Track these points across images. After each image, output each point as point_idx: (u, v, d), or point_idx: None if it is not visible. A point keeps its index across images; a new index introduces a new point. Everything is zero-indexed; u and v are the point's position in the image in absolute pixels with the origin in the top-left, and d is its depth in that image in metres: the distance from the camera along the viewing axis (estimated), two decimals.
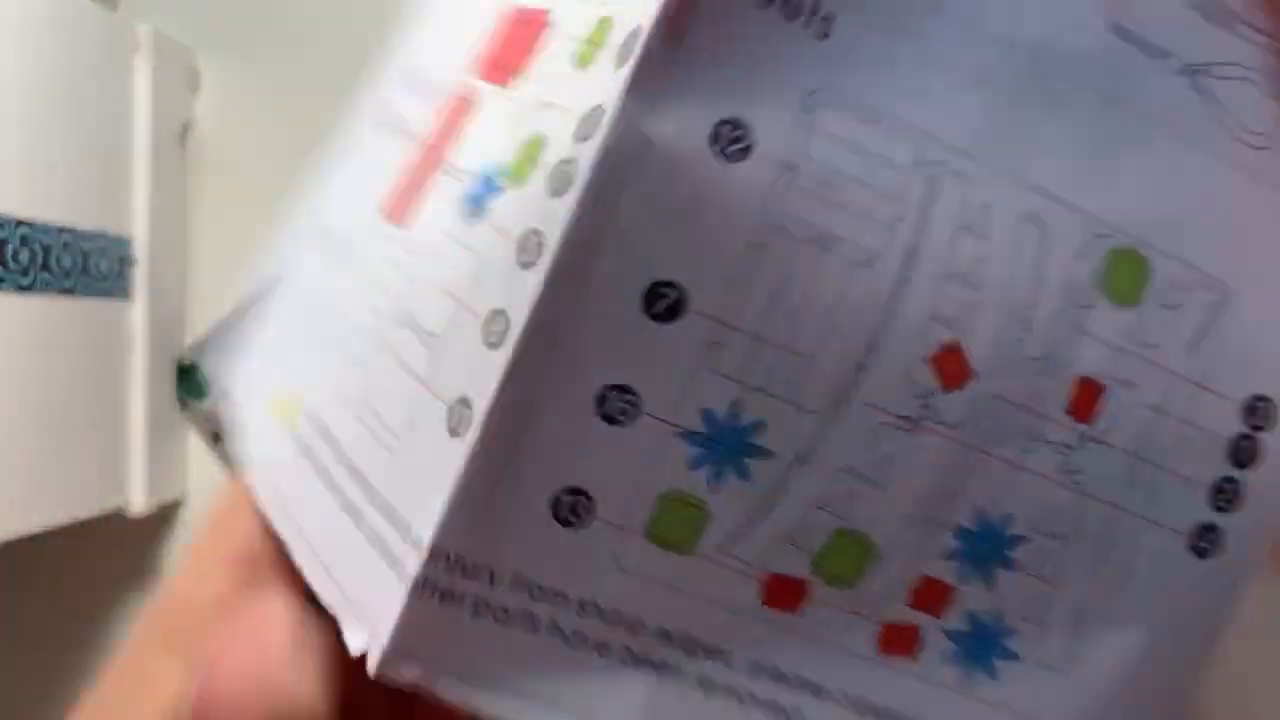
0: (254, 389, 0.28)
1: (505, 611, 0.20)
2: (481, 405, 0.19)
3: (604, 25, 0.21)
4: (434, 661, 0.20)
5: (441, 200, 0.23)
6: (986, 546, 0.22)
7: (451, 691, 0.20)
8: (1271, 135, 0.22)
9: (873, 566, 0.21)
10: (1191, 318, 0.22)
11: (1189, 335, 0.22)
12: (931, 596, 0.22)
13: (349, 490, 0.22)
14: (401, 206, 0.25)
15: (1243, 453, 0.23)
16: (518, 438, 0.19)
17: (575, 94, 0.20)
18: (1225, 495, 0.23)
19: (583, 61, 0.21)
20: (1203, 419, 0.22)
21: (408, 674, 0.20)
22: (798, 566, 0.21)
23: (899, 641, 0.22)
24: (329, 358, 0.25)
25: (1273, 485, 0.23)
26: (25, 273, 0.39)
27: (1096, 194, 0.21)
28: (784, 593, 0.21)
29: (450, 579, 0.20)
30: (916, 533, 0.21)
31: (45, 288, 0.40)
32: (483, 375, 0.19)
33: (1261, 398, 0.23)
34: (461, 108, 0.24)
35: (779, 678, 0.21)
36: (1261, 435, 0.23)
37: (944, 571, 0.22)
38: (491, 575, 0.20)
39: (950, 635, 0.22)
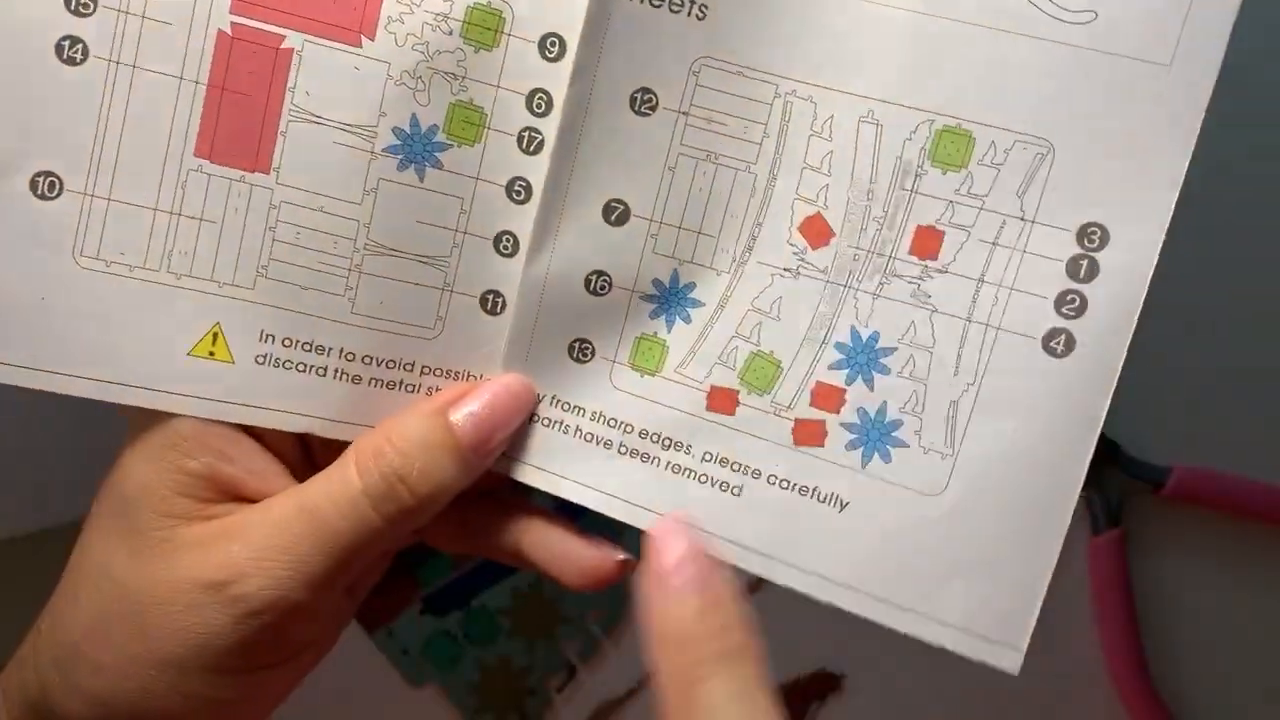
0: None
1: (548, 421, 0.32)
2: (512, 295, 0.31)
3: (493, 15, 0.30)
4: (508, 453, 0.32)
5: None
6: (862, 357, 0.30)
7: (514, 472, 0.32)
8: (1098, 8, 0.28)
9: (780, 377, 0.31)
10: (1016, 170, 0.29)
11: (1015, 184, 0.29)
12: (828, 398, 0.30)
13: None
14: None
15: (1081, 270, 0.28)
16: (540, 312, 0.31)
17: (495, 71, 0.30)
18: (1070, 305, 0.28)
19: (485, 43, 0.30)
20: (1038, 246, 0.29)
21: (498, 465, 0.32)
22: (729, 380, 0.31)
23: (809, 434, 0.31)
24: None
25: (1114, 294, 0.28)
26: None
27: (923, 93, 0.29)
28: (721, 400, 0.31)
29: None
30: (808, 350, 0.30)
31: None
32: (510, 279, 0.31)
33: (1093, 224, 0.28)
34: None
35: (725, 462, 0.31)
36: (1097, 254, 0.28)
37: (834, 378, 0.30)
38: (538, 399, 0.32)
39: (847, 427, 0.30)
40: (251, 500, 0.31)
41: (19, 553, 0.42)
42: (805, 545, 0.30)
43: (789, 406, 0.31)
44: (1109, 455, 0.45)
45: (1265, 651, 0.45)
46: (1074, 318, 0.28)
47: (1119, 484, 0.45)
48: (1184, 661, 0.45)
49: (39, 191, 0.29)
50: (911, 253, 0.30)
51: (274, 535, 0.29)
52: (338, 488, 0.30)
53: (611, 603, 0.45)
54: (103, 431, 0.31)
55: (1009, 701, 0.45)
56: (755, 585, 0.29)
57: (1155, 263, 0.27)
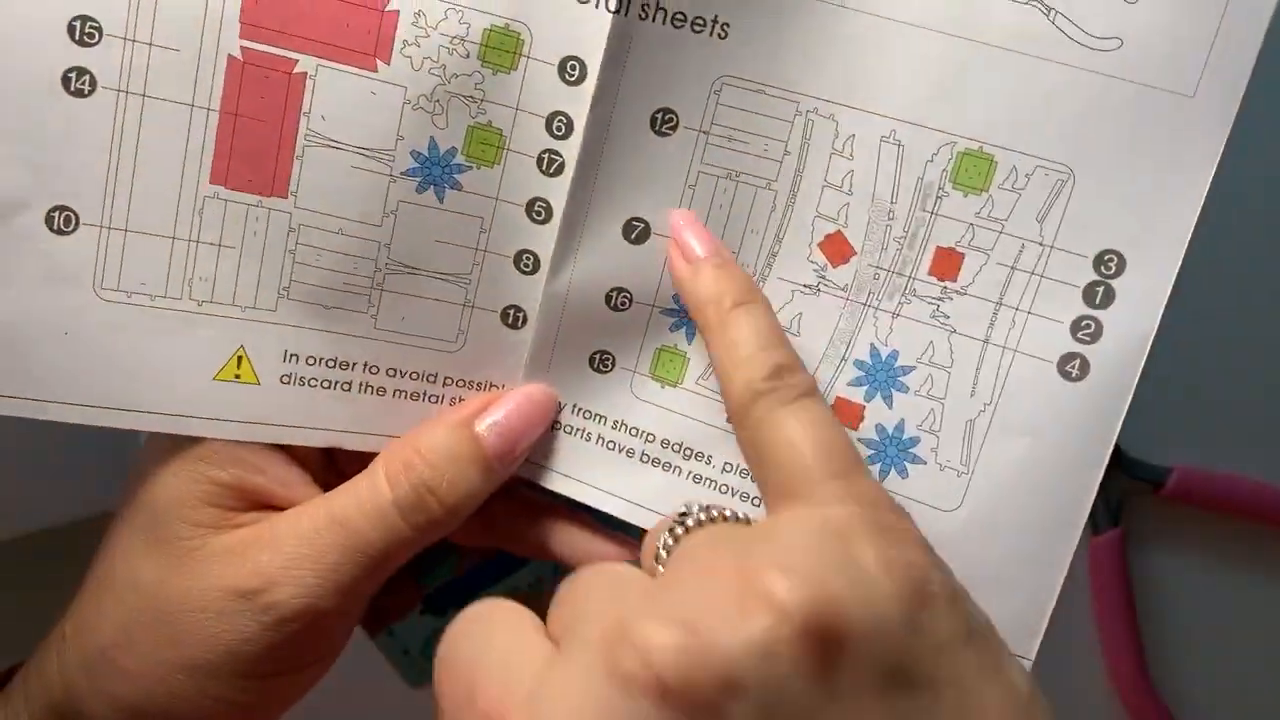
0: None
1: (570, 428, 0.33)
2: (533, 310, 0.32)
3: (510, 37, 0.29)
4: (533, 459, 0.33)
5: None
6: (881, 375, 0.31)
7: (540, 478, 0.33)
8: (1124, 36, 0.28)
9: None
10: (1036, 195, 0.29)
11: (1035, 210, 0.29)
12: (847, 413, 0.31)
13: None
14: None
15: (1097, 296, 0.29)
16: (561, 326, 0.32)
17: (514, 94, 0.30)
18: (1086, 330, 0.29)
19: (503, 66, 0.29)
20: (1055, 271, 0.29)
21: (523, 470, 0.33)
22: None
23: None
24: None
25: (1129, 320, 0.29)
26: None
27: (945, 115, 0.29)
28: None
29: None
30: (828, 366, 0.31)
31: None
32: (531, 295, 0.32)
33: (1110, 252, 0.29)
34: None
35: (745, 474, 0.32)
36: (1113, 281, 0.29)
37: (853, 394, 0.31)
38: (560, 407, 0.33)
39: (865, 443, 0.31)
40: (278, 508, 0.32)
41: (19, 551, 0.42)
42: None
43: None
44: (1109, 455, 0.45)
45: (1265, 651, 0.46)
46: (1089, 343, 0.29)
47: (1119, 484, 0.45)
48: (1184, 661, 0.46)
49: (55, 226, 0.29)
50: (931, 273, 0.30)
51: (304, 544, 0.30)
52: (368, 498, 0.31)
53: None
54: (102, 433, 0.31)
55: None
56: None
57: (1170, 289, 0.28)
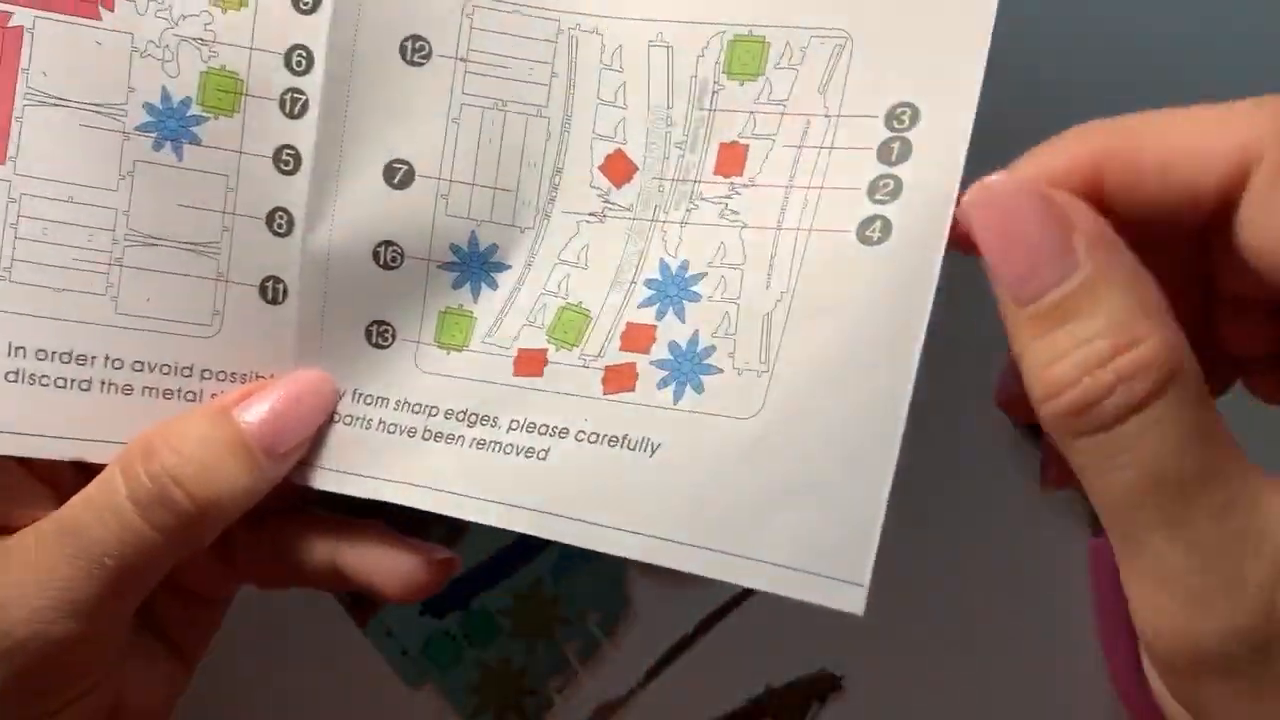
0: None
1: (350, 418, 0.29)
2: (294, 280, 0.28)
3: None
4: (304, 460, 0.28)
5: None
6: (672, 288, 0.27)
7: (317, 481, 0.28)
8: None
9: (589, 327, 0.27)
10: (815, 67, 0.26)
11: (815, 82, 0.26)
12: (637, 338, 0.27)
13: None
14: None
15: (893, 152, 0.25)
16: (327, 295, 0.28)
17: (246, 31, 0.27)
18: (885, 189, 0.25)
19: (231, 3, 0.27)
20: (847, 139, 0.26)
21: (293, 474, 0.28)
22: (537, 340, 0.28)
23: (619, 380, 0.27)
24: None
25: (929, 171, 0.25)
26: None
27: (708, 5, 0.27)
28: (529, 362, 0.28)
29: None
30: (617, 293, 0.27)
31: None
32: (290, 261, 0.28)
33: (901, 105, 0.25)
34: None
35: (531, 428, 0.27)
36: (908, 134, 0.25)
37: (644, 316, 0.27)
38: (339, 396, 0.29)
39: (658, 364, 0.27)
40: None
41: None
42: (613, 500, 0.26)
43: (598, 355, 0.27)
44: None
45: None
46: (889, 201, 0.25)
47: None
48: None
49: None
50: (717, 173, 0.27)
51: (29, 562, 0.26)
52: (99, 498, 0.26)
53: (611, 603, 0.45)
54: None
55: (1009, 702, 0.43)
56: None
57: (969, 135, 0.25)
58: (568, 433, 0.27)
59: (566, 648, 0.45)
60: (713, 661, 0.44)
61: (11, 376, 0.27)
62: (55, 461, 0.28)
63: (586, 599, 0.44)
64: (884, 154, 0.26)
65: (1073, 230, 0.21)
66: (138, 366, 0.28)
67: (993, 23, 0.25)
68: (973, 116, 0.25)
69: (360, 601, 0.40)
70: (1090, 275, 0.21)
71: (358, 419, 0.28)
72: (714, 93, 0.27)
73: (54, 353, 0.27)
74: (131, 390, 0.28)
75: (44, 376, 0.27)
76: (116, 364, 0.28)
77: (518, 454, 0.27)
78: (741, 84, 0.27)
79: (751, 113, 0.27)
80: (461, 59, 0.28)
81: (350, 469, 0.28)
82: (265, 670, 0.41)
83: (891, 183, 0.25)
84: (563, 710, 0.44)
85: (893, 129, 0.26)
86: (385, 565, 0.28)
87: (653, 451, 0.26)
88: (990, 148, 0.25)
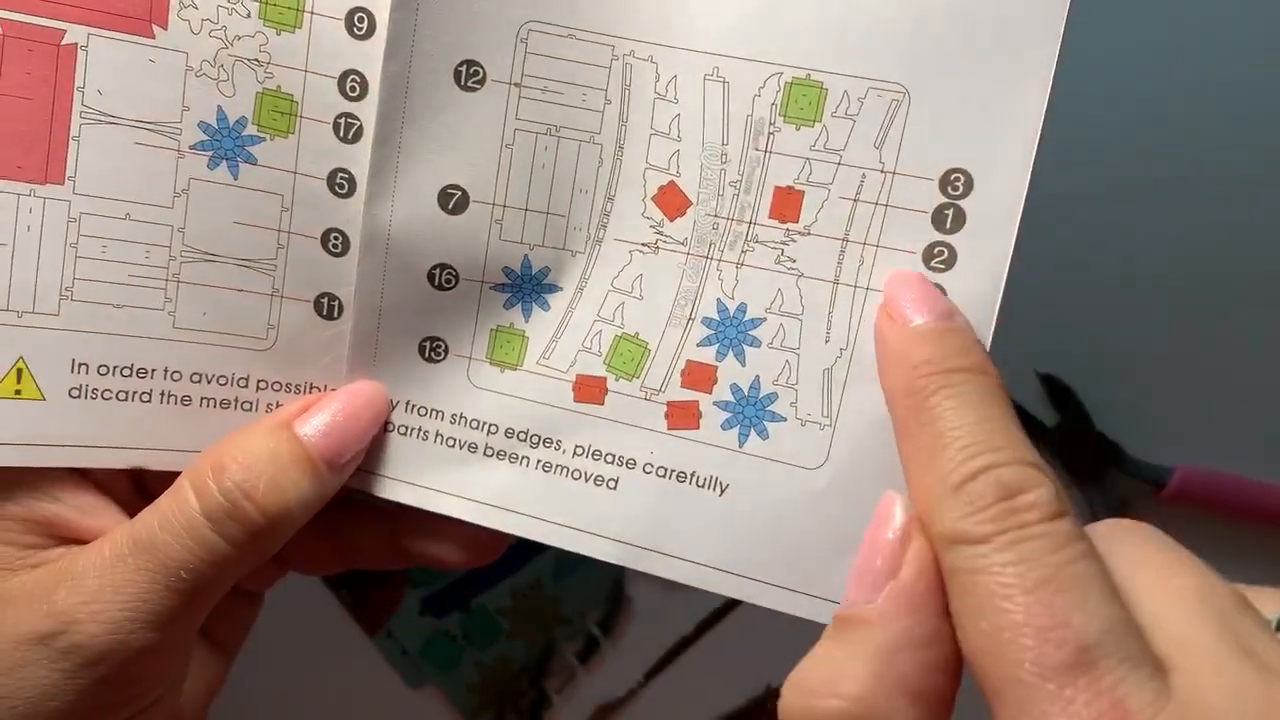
0: None
1: (405, 428, 0.30)
2: (348, 297, 0.29)
3: None
4: (364, 467, 0.30)
5: None
6: (731, 330, 0.28)
7: (374, 487, 0.30)
8: None
9: (648, 360, 0.29)
10: (871, 120, 0.27)
11: (872, 135, 0.27)
12: (699, 377, 0.28)
13: None
14: None
15: (947, 220, 0.27)
16: (382, 314, 0.29)
17: (300, 54, 0.27)
18: (939, 258, 0.27)
19: (286, 24, 0.27)
20: (900, 199, 0.27)
21: (354, 481, 0.30)
22: (595, 367, 0.29)
23: (683, 417, 0.29)
24: None
25: (982, 243, 0.26)
26: None
27: (766, 44, 0.27)
28: (589, 389, 0.29)
29: None
30: (675, 328, 0.28)
31: None
32: (344, 280, 0.29)
33: (955, 171, 0.26)
34: None
35: (598, 455, 0.29)
36: (962, 202, 0.27)
37: (704, 355, 0.28)
38: (392, 405, 0.30)
39: (721, 406, 0.28)
40: (84, 542, 0.28)
41: None
42: (686, 534, 0.28)
43: (660, 390, 0.29)
44: (1110, 455, 0.44)
45: None
46: (944, 270, 0.27)
47: (1120, 484, 0.44)
48: None
49: None
50: (772, 216, 0.28)
51: (106, 575, 0.27)
52: (172, 514, 0.27)
53: (611, 603, 0.45)
54: None
55: None
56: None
57: (1022, 206, 0.26)
58: (635, 464, 0.28)
59: (566, 648, 0.45)
60: (713, 661, 0.44)
61: (75, 392, 0.28)
62: (112, 471, 0.29)
63: (586, 599, 0.45)
64: (938, 220, 0.27)
65: (896, 575, 0.23)
66: (196, 378, 0.29)
67: (1049, 92, 0.25)
68: (1025, 191, 0.25)
69: (363, 603, 0.40)
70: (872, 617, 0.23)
71: (412, 429, 0.30)
72: (770, 134, 0.27)
73: (115, 367, 0.28)
74: (190, 401, 0.29)
75: (106, 390, 0.28)
76: (175, 376, 0.29)
77: (587, 480, 0.28)
78: (798, 128, 0.27)
79: (808, 159, 0.27)
80: (515, 84, 0.28)
81: (407, 477, 0.30)
82: (266, 670, 0.41)
83: (946, 251, 0.26)
84: (563, 710, 0.44)
85: (947, 195, 0.26)
86: (447, 531, 0.30)
87: (722, 491, 0.28)
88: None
